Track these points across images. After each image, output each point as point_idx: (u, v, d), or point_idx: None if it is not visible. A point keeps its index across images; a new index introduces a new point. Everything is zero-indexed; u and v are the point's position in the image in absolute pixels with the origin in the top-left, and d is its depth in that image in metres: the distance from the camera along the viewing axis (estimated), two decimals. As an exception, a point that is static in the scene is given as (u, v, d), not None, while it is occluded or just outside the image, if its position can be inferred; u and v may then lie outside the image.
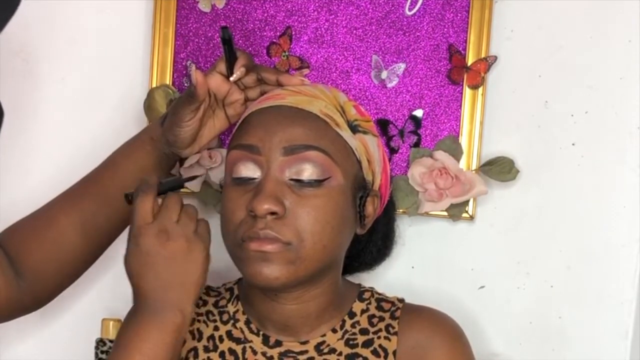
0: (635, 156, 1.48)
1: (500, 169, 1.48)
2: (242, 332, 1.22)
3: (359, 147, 1.17)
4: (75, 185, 1.29)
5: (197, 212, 1.14)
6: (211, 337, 1.22)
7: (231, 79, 1.22)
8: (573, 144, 1.50)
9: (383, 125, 1.51)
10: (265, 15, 1.52)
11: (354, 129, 1.17)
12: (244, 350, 1.20)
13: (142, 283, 1.09)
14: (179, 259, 1.08)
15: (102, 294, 1.58)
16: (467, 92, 1.49)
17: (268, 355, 1.20)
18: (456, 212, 1.49)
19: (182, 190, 1.52)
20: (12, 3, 1.01)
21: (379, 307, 1.24)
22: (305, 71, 1.28)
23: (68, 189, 1.29)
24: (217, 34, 1.53)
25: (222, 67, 1.23)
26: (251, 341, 1.21)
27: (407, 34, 1.50)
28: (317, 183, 1.12)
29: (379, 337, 1.21)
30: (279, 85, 1.23)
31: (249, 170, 1.13)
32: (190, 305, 1.10)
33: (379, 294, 1.27)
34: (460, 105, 1.49)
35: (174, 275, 1.08)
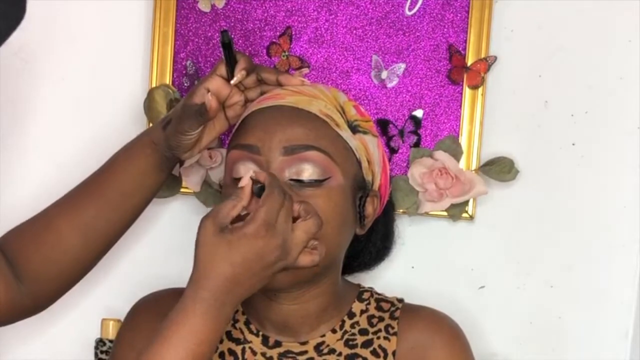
0: (635, 156, 1.48)
1: (500, 169, 1.48)
2: (242, 332, 1.22)
3: (359, 147, 1.17)
4: (75, 189, 1.29)
5: (321, 225, 1.08)
6: (211, 338, 1.22)
7: (232, 82, 1.22)
8: (573, 144, 1.50)
9: (383, 125, 1.51)
10: (265, 15, 1.52)
11: (353, 129, 1.17)
12: (243, 350, 1.20)
13: (220, 275, 1.01)
14: (270, 270, 1.04)
15: (102, 294, 1.58)
16: (467, 92, 1.49)
17: (267, 355, 1.19)
18: (456, 212, 1.49)
19: (182, 190, 1.53)
20: (17, 15, 1.01)
21: (379, 308, 1.24)
22: (305, 71, 1.27)
23: (68, 192, 1.28)
24: (217, 34, 1.53)
25: (222, 70, 1.22)
26: (251, 342, 1.21)
27: (407, 34, 1.50)
28: (317, 183, 1.12)
29: (378, 338, 1.21)
30: (279, 85, 1.22)
31: (249, 170, 1.13)
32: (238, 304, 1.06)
33: (379, 294, 1.27)
34: (460, 105, 1.49)
35: (257, 280, 1.03)
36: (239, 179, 1.13)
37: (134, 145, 1.28)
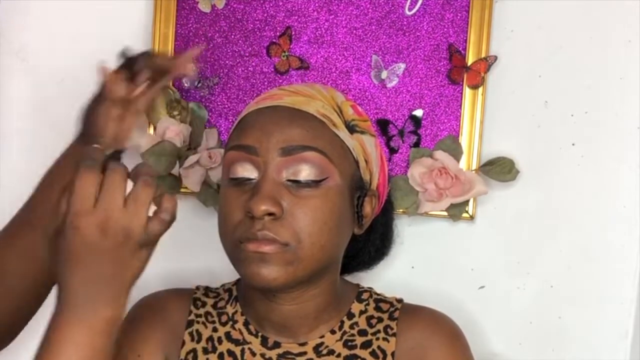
0: (635, 156, 1.48)
1: (500, 169, 1.48)
2: (241, 333, 1.22)
3: (357, 147, 1.17)
4: (16, 214, 1.24)
5: (154, 185, 0.95)
6: (210, 339, 1.22)
7: (135, 92, 1.24)
8: (573, 144, 1.50)
9: (383, 125, 1.51)
10: (265, 15, 1.52)
11: (351, 128, 1.17)
12: (242, 351, 1.20)
13: (71, 275, 0.92)
14: (119, 253, 0.93)
15: (102, 294, 1.58)
16: (467, 92, 1.49)
17: (267, 356, 1.19)
18: (456, 212, 1.49)
19: (181, 190, 1.53)
20: None
21: (378, 308, 1.24)
22: (201, 47, 1.30)
23: (11, 218, 1.24)
24: (218, 34, 1.53)
25: (121, 74, 1.25)
26: (250, 342, 1.21)
27: (407, 34, 1.50)
28: (315, 184, 1.12)
29: (377, 339, 1.21)
30: (177, 70, 1.28)
31: (246, 171, 1.13)
32: (124, 299, 0.96)
33: (378, 294, 1.27)
34: (460, 105, 1.49)
35: (110, 267, 0.93)
36: (236, 179, 1.14)
37: (60, 164, 1.25)
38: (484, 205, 1.51)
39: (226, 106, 1.54)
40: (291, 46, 1.52)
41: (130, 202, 0.93)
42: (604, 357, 1.51)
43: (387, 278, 1.51)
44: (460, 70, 1.49)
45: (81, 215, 0.92)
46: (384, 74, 1.51)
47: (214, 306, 1.25)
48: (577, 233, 1.50)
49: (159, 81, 1.27)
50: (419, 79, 1.50)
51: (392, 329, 1.22)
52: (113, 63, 1.56)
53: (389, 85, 1.51)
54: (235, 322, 1.23)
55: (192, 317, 1.24)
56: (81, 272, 0.92)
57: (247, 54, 1.52)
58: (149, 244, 0.96)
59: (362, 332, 1.21)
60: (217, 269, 1.49)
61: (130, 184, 0.94)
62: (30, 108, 1.58)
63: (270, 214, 1.09)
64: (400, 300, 1.26)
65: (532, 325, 1.53)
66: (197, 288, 1.29)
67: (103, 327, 0.93)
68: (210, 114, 1.54)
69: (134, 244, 0.94)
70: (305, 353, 1.19)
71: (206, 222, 1.53)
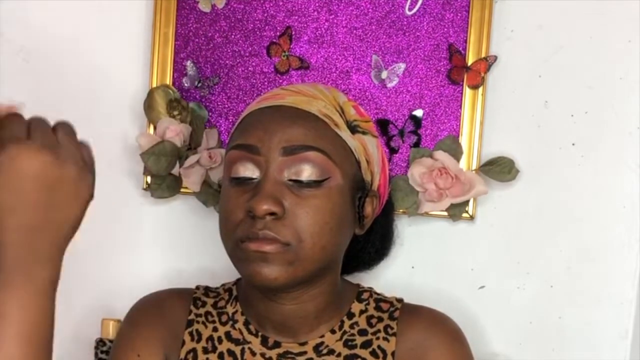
0: (635, 156, 1.48)
1: (500, 169, 1.48)
2: (241, 333, 1.22)
3: (358, 148, 1.17)
4: None
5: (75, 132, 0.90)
6: (210, 338, 1.22)
7: None
8: (573, 144, 1.50)
9: (383, 125, 1.51)
10: (265, 15, 1.52)
11: (353, 129, 1.17)
12: (242, 351, 1.20)
13: (9, 222, 0.84)
14: (65, 189, 0.86)
15: (102, 294, 1.58)
16: (467, 92, 1.49)
17: (267, 356, 1.19)
18: (456, 212, 1.49)
19: (182, 190, 1.53)
20: None
21: (378, 308, 1.24)
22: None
23: None
24: (218, 34, 1.53)
25: None
26: (250, 342, 1.21)
27: (407, 34, 1.50)
28: (316, 184, 1.12)
29: (377, 338, 1.21)
30: None
31: (248, 170, 1.13)
32: (59, 258, 0.88)
33: (378, 294, 1.27)
34: (460, 105, 1.49)
35: (55, 209, 0.86)
36: (238, 179, 1.14)
37: None
38: (484, 205, 1.51)
39: (226, 106, 1.54)
40: (291, 46, 1.52)
41: (60, 134, 0.88)
42: (604, 357, 1.51)
43: (387, 278, 1.51)
44: (460, 70, 1.49)
45: (18, 146, 0.84)
46: (384, 74, 1.51)
47: (214, 306, 1.25)
48: (577, 233, 1.50)
49: None
50: (419, 79, 1.50)
51: (392, 328, 1.22)
52: (112, 63, 1.57)
53: (389, 85, 1.51)
54: (236, 321, 1.23)
55: (192, 316, 1.24)
56: (16, 215, 0.83)
57: (247, 54, 1.52)
58: (86, 171, 0.88)
59: (362, 332, 1.21)
60: (217, 269, 1.49)
61: None
62: (31, 108, 1.58)
63: (271, 214, 1.09)
64: (400, 300, 1.26)
65: (532, 325, 1.53)
66: (197, 288, 1.29)
67: (46, 287, 0.87)
68: (210, 114, 1.54)
69: (77, 174, 0.87)
70: (305, 353, 1.19)
71: (206, 222, 1.54)
